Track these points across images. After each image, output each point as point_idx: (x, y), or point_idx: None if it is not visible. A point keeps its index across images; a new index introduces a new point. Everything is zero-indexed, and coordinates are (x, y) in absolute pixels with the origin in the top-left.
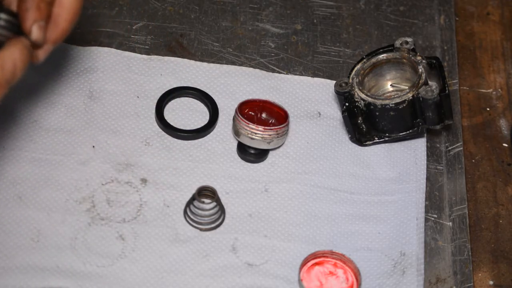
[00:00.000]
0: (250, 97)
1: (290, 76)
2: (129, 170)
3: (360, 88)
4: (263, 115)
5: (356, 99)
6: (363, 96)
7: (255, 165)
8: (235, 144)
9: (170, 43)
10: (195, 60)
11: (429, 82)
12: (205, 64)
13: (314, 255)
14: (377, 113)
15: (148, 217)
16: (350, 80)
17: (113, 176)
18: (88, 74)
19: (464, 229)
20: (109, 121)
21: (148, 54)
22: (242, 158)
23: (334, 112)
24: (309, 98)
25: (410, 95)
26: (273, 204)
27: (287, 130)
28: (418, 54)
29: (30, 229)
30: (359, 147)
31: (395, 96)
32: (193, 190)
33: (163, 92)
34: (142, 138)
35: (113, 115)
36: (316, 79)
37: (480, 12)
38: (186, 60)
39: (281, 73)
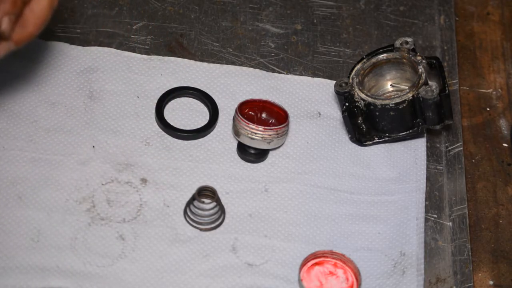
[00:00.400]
0: (250, 97)
1: (290, 76)
2: (129, 170)
3: (360, 88)
4: (263, 115)
5: (356, 99)
6: (363, 96)
7: (255, 165)
8: (235, 144)
9: (170, 43)
10: (195, 60)
11: (429, 82)
12: (205, 64)
13: (314, 255)
14: (377, 113)
15: (148, 217)
16: (350, 80)
17: (113, 176)
18: (88, 74)
19: (464, 229)
20: (109, 121)
21: (148, 54)
22: (242, 158)
23: (334, 112)
24: (309, 98)
25: (410, 95)
26: (273, 204)
27: (287, 130)
28: (418, 54)
29: (30, 229)
30: (359, 147)
31: (395, 96)
32: (193, 190)
33: (163, 92)
34: (142, 138)
35: (113, 115)
36: (316, 79)
37: (480, 12)
38: (186, 60)
39: (281, 73)
